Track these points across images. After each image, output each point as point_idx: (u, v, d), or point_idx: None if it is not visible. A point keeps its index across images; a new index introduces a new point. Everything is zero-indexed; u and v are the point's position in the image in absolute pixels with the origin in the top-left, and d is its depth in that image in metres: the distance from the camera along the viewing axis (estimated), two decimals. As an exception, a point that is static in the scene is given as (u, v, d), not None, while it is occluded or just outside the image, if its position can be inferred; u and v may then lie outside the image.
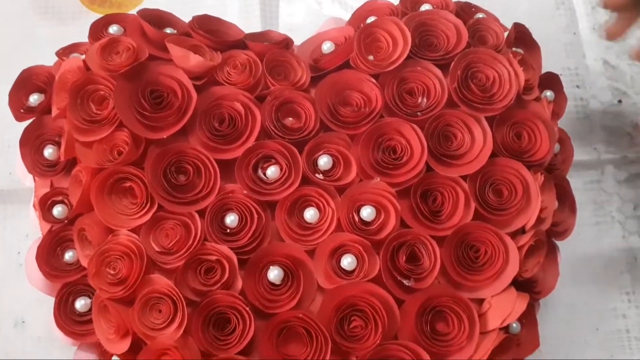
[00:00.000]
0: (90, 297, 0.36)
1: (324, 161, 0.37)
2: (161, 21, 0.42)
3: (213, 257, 0.35)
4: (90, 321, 0.36)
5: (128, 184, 0.36)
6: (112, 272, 0.35)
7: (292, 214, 0.36)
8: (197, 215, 0.36)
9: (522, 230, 0.36)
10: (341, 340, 0.34)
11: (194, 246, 0.35)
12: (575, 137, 0.47)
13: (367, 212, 0.36)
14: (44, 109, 0.41)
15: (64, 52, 0.42)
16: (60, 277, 0.37)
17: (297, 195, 0.37)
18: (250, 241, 0.35)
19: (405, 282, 0.34)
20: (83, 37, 0.43)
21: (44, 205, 0.38)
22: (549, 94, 0.42)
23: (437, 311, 0.34)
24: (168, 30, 0.41)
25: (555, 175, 0.39)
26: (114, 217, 0.36)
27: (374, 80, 0.39)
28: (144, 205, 0.35)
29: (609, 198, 0.52)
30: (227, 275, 0.34)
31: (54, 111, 0.40)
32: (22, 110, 0.42)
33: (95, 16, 0.46)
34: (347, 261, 0.35)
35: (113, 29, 0.41)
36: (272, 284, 0.35)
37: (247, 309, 0.34)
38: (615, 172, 0.52)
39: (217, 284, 0.34)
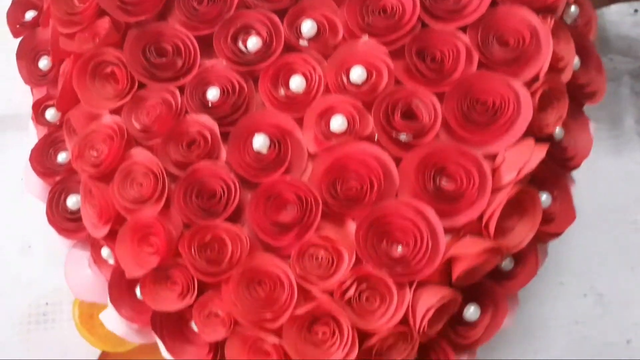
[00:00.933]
0: None
1: (307, 27, 0.35)
2: None
3: (194, 129, 0.34)
4: (81, 218, 0.36)
5: (109, 68, 0.36)
6: (94, 153, 0.34)
7: (277, 83, 0.35)
8: (177, 91, 0.35)
9: (536, 79, 0.34)
10: (334, 202, 0.32)
11: (174, 119, 0.34)
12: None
13: (357, 74, 0.34)
14: (37, 22, 0.42)
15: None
16: (53, 176, 0.38)
17: (281, 63, 0.35)
18: (232, 111, 0.34)
19: (401, 136, 0.32)
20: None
21: (37, 110, 0.39)
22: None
23: (441, 167, 0.32)
24: None
25: (576, 33, 0.36)
26: (96, 101, 0.36)
27: None
28: (125, 87, 0.35)
29: (627, 110, 0.52)
30: (209, 145, 0.33)
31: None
32: (18, 26, 0.43)
33: None
34: (337, 122, 0.33)
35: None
36: (258, 152, 0.33)
37: (232, 175, 0.33)
38: (632, 82, 0.52)
39: (200, 155, 0.33)
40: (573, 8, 0.37)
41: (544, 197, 0.34)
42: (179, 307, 0.33)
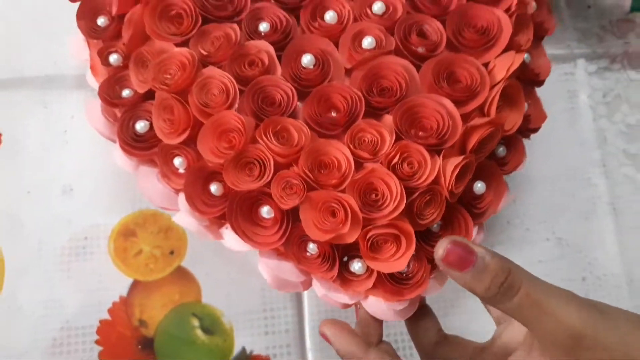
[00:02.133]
0: (148, 120, 0.41)
1: None
2: None
3: (253, 52, 0.40)
4: (148, 139, 0.41)
5: (174, 10, 0.41)
6: (169, 76, 0.39)
7: (315, 17, 0.41)
8: (236, 25, 0.41)
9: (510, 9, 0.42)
10: (372, 98, 0.39)
11: (236, 46, 0.40)
12: (551, 36, 0.54)
13: (377, 7, 0.41)
14: None
15: None
16: (118, 107, 0.42)
17: (317, 1, 0.42)
18: (281, 38, 0.41)
19: (419, 49, 0.40)
20: None
21: (102, 55, 0.43)
22: None
23: (451, 71, 0.39)
24: None
25: None
26: (166, 36, 0.41)
27: None
28: (190, 25, 0.41)
29: (581, 87, 0.59)
30: (267, 64, 0.40)
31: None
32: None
33: None
34: (367, 41, 0.40)
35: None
36: (306, 67, 0.40)
37: (288, 84, 0.39)
38: (586, 64, 0.60)
39: (260, 71, 0.39)
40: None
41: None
42: (259, 185, 0.37)
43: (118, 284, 0.50)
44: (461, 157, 0.38)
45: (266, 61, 0.40)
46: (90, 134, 0.45)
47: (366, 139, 0.38)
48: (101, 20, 0.44)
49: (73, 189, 0.52)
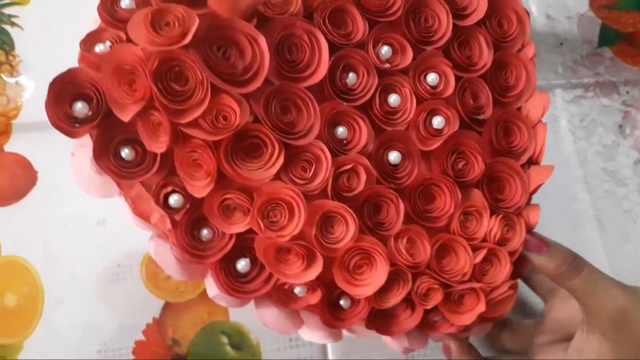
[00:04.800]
0: (250, 258, 0.40)
1: (384, 50, 0.41)
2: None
3: (350, 164, 0.40)
4: (251, 280, 0.40)
5: (251, 140, 0.38)
6: (275, 219, 0.39)
7: (382, 104, 0.41)
8: (322, 144, 0.39)
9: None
10: (460, 179, 0.42)
11: (332, 166, 0.39)
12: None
13: (431, 78, 0.42)
14: (105, 112, 0.37)
15: (87, 46, 0.38)
16: (204, 257, 0.39)
17: (383, 84, 0.41)
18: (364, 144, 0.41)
19: (480, 116, 0.43)
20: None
21: (158, 199, 0.38)
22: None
23: (506, 126, 0.43)
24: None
25: None
26: (252, 174, 0.38)
27: None
28: (273, 153, 0.38)
29: (561, 113, 0.66)
30: (365, 177, 0.40)
31: (125, 111, 0.36)
32: (77, 125, 0.37)
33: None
34: (437, 121, 0.41)
35: (125, 3, 0.39)
36: (394, 164, 0.41)
37: (390, 191, 0.41)
38: (563, 93, 0.66)
39: (365, 189, 0.40)
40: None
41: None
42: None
43: (151, 306, 0.53)
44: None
45: (364, 176, 0.40)
46: None
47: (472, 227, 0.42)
48: (125, 152, 0.38)
49: (105, 220, 0.55)
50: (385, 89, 0.41)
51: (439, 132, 0.42)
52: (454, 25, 0.43)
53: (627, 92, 0.66)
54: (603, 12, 0.70)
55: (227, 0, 0.37)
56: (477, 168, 0.42)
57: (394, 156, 0.41)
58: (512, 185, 0.42)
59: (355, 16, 0.41)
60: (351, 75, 0.40)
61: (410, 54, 0.42)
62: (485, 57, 0.43)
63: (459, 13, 0.43)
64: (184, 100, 0.36)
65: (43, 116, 0.57)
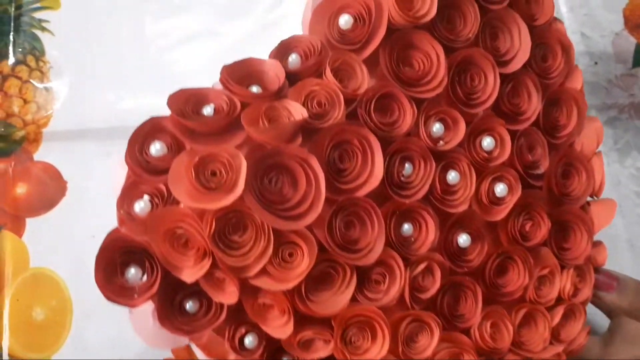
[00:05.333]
0: None
1: (436, 129, 0.39)
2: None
3: (425, 262, 0.39)
4: None
5: (321, 271, 0.37)
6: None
7: (442, 181, 0.40)
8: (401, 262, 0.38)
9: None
10: (526, 243, 0.41)
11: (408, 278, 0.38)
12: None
13: (487, 142, 0.40)
14: (162, 275, 0.35)
15: (125, 205, 0.37)
16: None
17: (440, 164, 0.40)
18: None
19: (538, 171, 0.42)
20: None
21: (234, 343, 0.36)
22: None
23: (564, 170, 0.43)
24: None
25: None
26: (327, 307, 0.37)
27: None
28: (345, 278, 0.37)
29: (596, 136, 0.65)
30: (439, 278, 0.39)
31: (185, 273, 0.35)
32: (135, 296, 0.36)
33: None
34: (500, 188, 0.40)
35: (156, 149, 0.36)
36: (463, 247, 0.40)
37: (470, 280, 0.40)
38: (597, 115, 0.66)
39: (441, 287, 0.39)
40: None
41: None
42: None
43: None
44: None
45: (438, 272, 0.39)
46: None
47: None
48: (189, 304, 0.36)
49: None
50: (442, 169, 0.40)
51: (502, 200, 0.40)
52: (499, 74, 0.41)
53: (663, 115, 0.66)
54: (638, 32, 0.69)
55: (271, 130, 0.35)
56: (544, 226, 0.41)
57: (463, 239, 0.39)
58: (577, 234, 0.42)
59: (400, 98, 0.38)
60: (407, 166, 0.39)
61: (462, 124, 0.40)
62: (534, 102, 0.42)
63: (501, 60, 0.41)
64: (246, 252, 0.34)
65: (74, 125, 0.57)
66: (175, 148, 0.36)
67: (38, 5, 0.60)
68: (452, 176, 0.39)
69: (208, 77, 0.59)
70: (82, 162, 0.56)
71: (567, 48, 0.44)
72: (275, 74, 0.37)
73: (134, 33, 0.60)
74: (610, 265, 0.60)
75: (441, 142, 0.40)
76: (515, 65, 0.41)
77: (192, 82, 0.58)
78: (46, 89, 0.57)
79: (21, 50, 0.58)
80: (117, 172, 0.37)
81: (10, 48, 0.58)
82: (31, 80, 0.57)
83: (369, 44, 0.38)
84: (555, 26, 0.44)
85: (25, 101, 0.56)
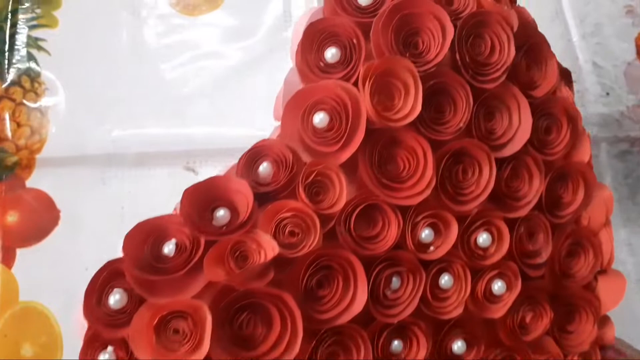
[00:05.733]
0: None
1: (425, 234, 0.37)
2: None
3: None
4: None
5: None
6: None
7: (433, 287, 0.37)
8: None
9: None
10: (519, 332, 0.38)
11: None
12: (575, 121, 0.58)
13: (483, 239, 0.37)
14: None
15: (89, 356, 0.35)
16: None
17: (430, 272, 0.37)
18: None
19: (540, 261, 0.39)
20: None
21: None
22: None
23: (569, 250, 0.40)
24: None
25: None
26: None
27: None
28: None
29: (605, 170, 0.63)
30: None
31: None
32: None
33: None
34: (497, 286, 0.38)
35: (114, 299, 0.35)
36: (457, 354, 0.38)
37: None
38: (608, 148, 0.64)
39: None
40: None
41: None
42: None
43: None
44: None
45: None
46: (147, 211, 0.46)
47: None
48: None
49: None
50: (434, 274, 0.37)
51: (500, 298, 0.37)
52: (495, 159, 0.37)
53: (675, 149, 0.64)
54: (650, 62, 0.68)
55: (239, 275, 0.32)
56: (546, 317, 0.38)
57: (458, 346, 0.37)
58: (582, 316, 0.39)
59: (383, 208, 0.35)
60: (394, 280, 0.36)
61: (454, 226, 0.36)
62: (536, 184, 0.38)
63: (497, 143, 0.37)
64: None
65: (68, 151, 0.55)
66: (136, 296, 0.34)
67: (35, 23, 0.58)
68: (445, 280, 0.36)
69: (209, 103, 0.58)
70: (76, 189, 0.54)
71: (573, 118, 0.40)
72: (244, 195, 0.34)
73: (135, 54, 0.58)
74: (619, 308, 0.58)
75: (431, 248, 0.37)
76: (514, 147, 0.37)
77: (192, 108, 0.57)
78: (41, 112, 0.55)
79: (16, 71, 0.56)
80: (80, 322, 0.36)
81: (5, 68, 0.56)
82: (25, 102, 0.55)
83: (348, 146, 0.35)
84: (561, 94, 0.40)
85: (19, 125, 0.54)
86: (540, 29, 0.67)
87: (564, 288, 0.39)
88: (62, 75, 0.56)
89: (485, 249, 0.37)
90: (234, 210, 0.34)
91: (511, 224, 0.38)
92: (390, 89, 0.35)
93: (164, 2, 0.60)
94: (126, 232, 0.52)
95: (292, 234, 0.34)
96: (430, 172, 0.35)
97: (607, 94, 0.66)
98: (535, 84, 0.39)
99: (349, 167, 0.35)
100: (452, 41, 0.35)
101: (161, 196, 0.54)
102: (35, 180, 0.53)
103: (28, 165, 0.53)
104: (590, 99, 0.66)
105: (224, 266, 0.33)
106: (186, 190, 0.34)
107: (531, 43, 0.39)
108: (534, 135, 0.38)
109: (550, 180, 0.39)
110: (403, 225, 0.35)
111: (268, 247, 0.33)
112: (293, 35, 0.36)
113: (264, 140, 0.36)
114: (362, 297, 0.34)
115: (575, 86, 0.66)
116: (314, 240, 0.34)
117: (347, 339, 0.34)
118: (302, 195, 0.34)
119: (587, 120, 0.65)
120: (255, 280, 0.33)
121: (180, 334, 0.32)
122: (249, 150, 0.35)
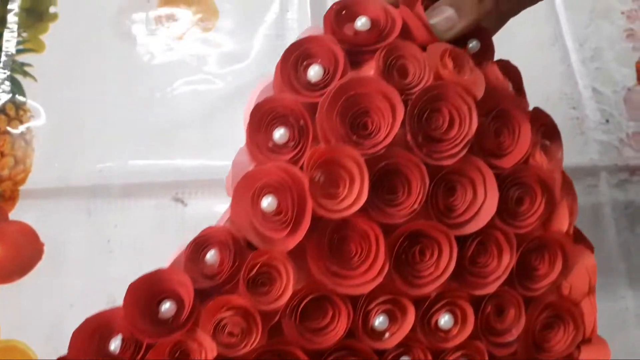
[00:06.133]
0: None
1: (379, 322, 0.35)
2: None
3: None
4: None
5: None
6: None
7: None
8: None
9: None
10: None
11: None
12: (574, 149, 0.57)
13: (444, 321, 0.35)
14: None
15: None
16: None
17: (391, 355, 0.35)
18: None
19: (509, 339, 0.36)
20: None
21: None
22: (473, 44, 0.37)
23: (546, 323, 0.37)
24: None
25: None
26: None
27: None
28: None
29: (605, 200, 0.62)
30: None
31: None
32: None
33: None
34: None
35: (115, 344, 0.34)
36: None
37: None
38: (608, 177, 0.63)
39: None
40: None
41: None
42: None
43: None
44: None
45: None
46: (133, 243, 0.45)
47: None
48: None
49: (117, 300, 0.51)
50: None
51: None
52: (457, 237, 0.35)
53: (676, 178, 0.63)
54: (651, 88, 0.67)
55: None
56: None
57: None
58: None
59: (332, 298, 0.34)
60: None
61: (411, 311, 0.34)
62: (506, 260, 0.35)
63: (458, 221, 0.35)
64: None
65: (53, 182, 0.54)
66: (134, 350, 0.34)
67: (21, 47, 0.56)
68: None
69: (202, 131, 0.56)
70: (60, 223, 0.52)
71: (549, 186, 0.37)
72: (186, 290, 0.33)
73: (123, 81, 0.56)
74: (618, 343, 0.57)
75: (387, 335, 0.34)
76: (479, 223, 0.35)
77: (181, 139, 0.56)
78: (25, 141, 0.54)
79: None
80: None
81: (-11, 94, 0.54)
82: (10, 130, 0.54)
83: (296, 232, 0.33)
84: (534, 161, 0.37)
85: (3, 154, 0.53)
86: (539, 54, 0.66)
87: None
88: (48, 102, 0.55)
89: (447, 331, 0.35)
90: (180, 302, 0.33)
91: (479, 300, 0.35)
92: (334, 178, 0.33)
93: (152, 26, 0.59)
94: (110, 272, 0.51)
95: (230, 334, 0.33)
96: (382, 258, 0.33)
97: (607, 120, 0.65)
98: (505, 151, 0.36)
99: (299, 252, 0.33)
100: (404, 119, 0.33)
101: (148, 228, 0.53)
102: (19, 213, 0.52)
103: (11, 197, 0.52)
104: (590, 126, 0.65)
105: None
106: (131, 285, 0.34)
107: (501, 108, 0.36)
108: (504, 207, 0.36)
109: (523, 252, 0.36)
110: (354, 314, 0.34)
111: (208, 348, 0.32)
112: (248, 102, 0.36)
113: (210, 227, 0.34)
114: None
115: (575, 112, 0.65)
116: (255, 339, 0.33)
117: None
118: (244, 290, 0.33)
119: (586, 149, 0.64)
120: None
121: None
122: (196, 238, 0.34)
